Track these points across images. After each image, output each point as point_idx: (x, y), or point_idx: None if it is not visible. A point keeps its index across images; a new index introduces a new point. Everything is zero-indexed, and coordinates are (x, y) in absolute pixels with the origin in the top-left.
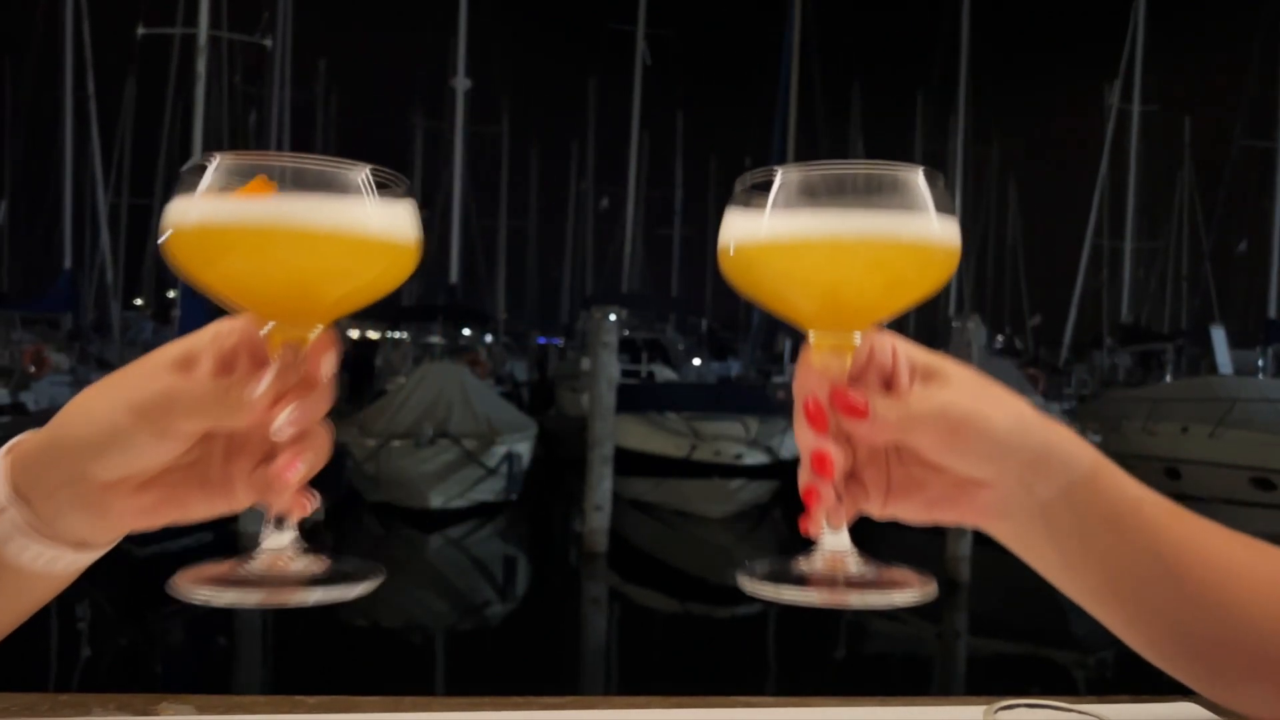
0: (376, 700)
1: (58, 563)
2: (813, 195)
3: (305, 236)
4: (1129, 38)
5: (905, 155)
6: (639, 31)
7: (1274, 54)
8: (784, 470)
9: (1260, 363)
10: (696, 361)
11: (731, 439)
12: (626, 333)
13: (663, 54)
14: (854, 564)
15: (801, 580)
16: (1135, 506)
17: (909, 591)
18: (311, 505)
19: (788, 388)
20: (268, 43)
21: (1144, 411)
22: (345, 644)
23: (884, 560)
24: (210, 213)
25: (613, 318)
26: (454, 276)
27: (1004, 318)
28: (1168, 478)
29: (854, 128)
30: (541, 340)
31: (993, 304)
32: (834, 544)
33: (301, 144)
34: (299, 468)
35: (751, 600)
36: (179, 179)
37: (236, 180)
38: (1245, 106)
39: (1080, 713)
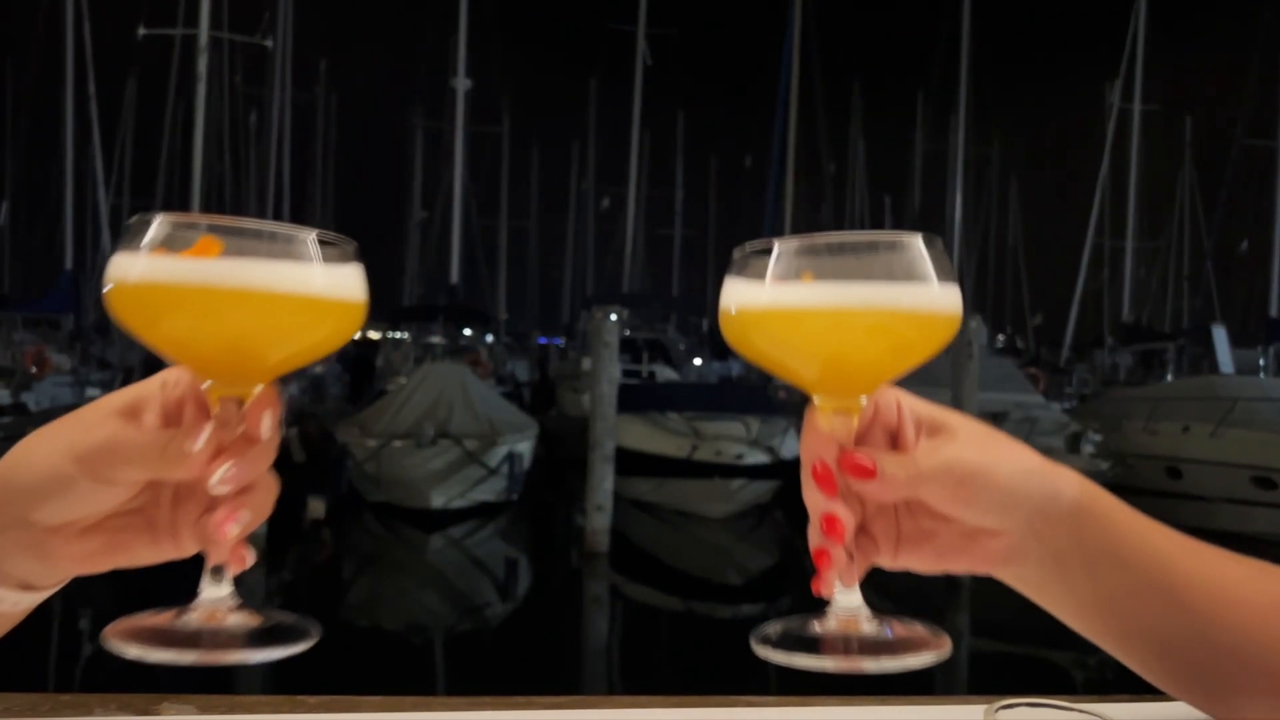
0: (376, 700)
1: (3, 603)
2: (813, 262)
3: (247, 299)
4: (1130, 38)
5: (905, 155)
6: (639, 31)
7: (1275, 54)
8: (785, 470)
9: (1261, 362)
10: (697, 361)
11: (732, 439)
12: (627, 333)
13: (663, 54)
14: (867, 624)
15: (815, 645)
16: (1142, 541)
17: (924, 654)
18: (250, 560)
19: (789, 388)
20: (268, 43)
21: (1145, 411)
22: (345, 644)
23: (896, 614)
24: (152, 270)
25: (613, 318)
26: (454, 277)
27: (1005, 317)
28: (1169, 477)
29: (854, 128)
30: (542, 340)
31: (994, 304)
32: (846, 603)
33: (301, 144)
34: (236, 523)
35: (754, 599)
36: (124, 231)
37: (183, 238)
38: (1246, 106)
39: (1080, 712)
